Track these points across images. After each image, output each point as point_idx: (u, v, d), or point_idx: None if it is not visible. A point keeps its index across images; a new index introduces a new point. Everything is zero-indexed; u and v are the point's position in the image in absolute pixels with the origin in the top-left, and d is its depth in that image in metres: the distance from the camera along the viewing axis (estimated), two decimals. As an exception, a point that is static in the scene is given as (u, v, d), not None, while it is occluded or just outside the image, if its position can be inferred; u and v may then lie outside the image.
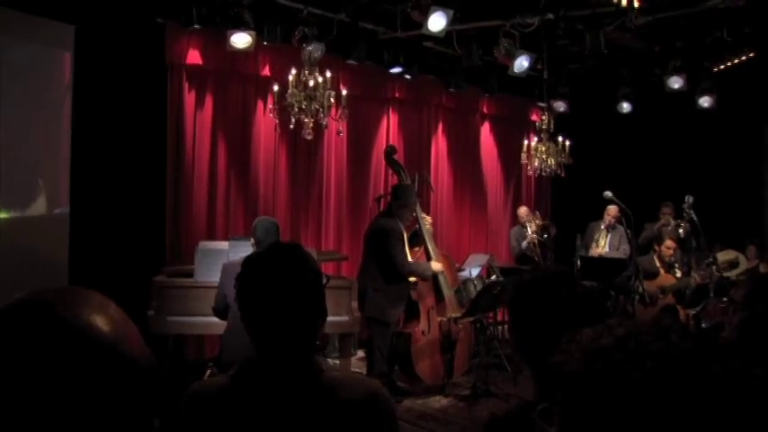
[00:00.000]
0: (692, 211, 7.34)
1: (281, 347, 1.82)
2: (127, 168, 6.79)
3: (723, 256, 8.09)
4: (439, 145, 10.13)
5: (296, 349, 1.83)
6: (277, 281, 1.84)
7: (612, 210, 8.77)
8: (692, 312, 6.99)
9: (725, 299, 6.48)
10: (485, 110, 10.71)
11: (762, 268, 8.95)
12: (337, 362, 6.84)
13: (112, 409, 0.82)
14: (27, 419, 0.77)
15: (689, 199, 7.41)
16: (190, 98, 7.50)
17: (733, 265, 7.91)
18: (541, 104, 9.94)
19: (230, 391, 1.81)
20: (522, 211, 9.59)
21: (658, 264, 7.64)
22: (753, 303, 2.14)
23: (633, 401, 0.76)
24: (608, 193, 7.53)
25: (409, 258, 6.60)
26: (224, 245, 6.08)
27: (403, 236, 6.52)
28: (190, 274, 6.11)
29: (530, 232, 9.05)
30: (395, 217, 6.56)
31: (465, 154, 10.54)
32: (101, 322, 0.88)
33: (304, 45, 6.78)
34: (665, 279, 7.55)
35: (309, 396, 1.78)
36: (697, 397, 0.75)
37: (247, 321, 1.86)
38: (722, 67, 9.28)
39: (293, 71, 6.55)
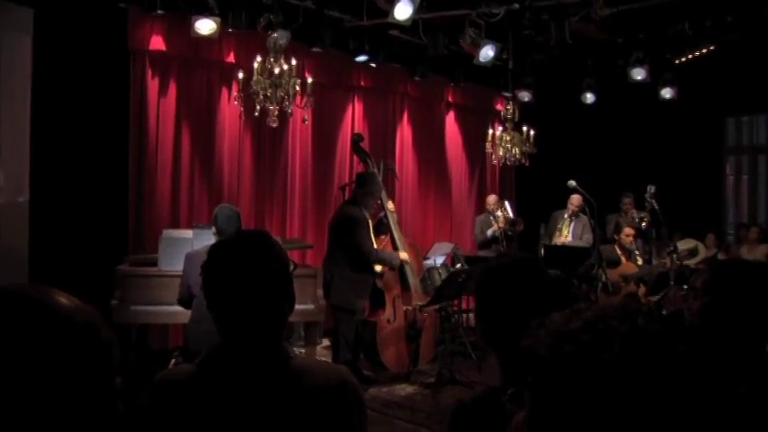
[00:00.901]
0: (653, 201, 7.45)
1: (249, 335, 1.81)
2: (89, 156, 6.69)
3: (683, 244, 8.22)
4: (404, 133, 10.14)
5: (264, 337, 1.82)
6: (244, 268, 1.84)
7: (576, 199, 8.86)
8: (653, 300, 7.11)
9: (685, 286, 6.61)
10: (450, 99, 10.74)
11: (720, 256, 9.13)
12: (303, 350, 6.82)
13: (73, 377, 0.89)
14: None
15: (651, 188, 7.52)
16: (153, 85, 7.41)
17: (692, 253, 8.05)
18: (506, 94, 9.99)
19: (197, 378, 1.80)
20: (491, 199, 9.62)
21: (619, 252, 7.76)
22: (713, 290, 2.18)
23: (602, 382, 0.77)
24: (572, 183, 7.61)
25: (375, 246, 6.60)
26: (188, 233, 6.02)
27: (368, 224, 6.52)
28: (154, 263, 6.05)
29: (496, 222, 9.09)
30: (360, 205, 6.55)
31: (430, 142, 10.56)
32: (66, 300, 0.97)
33: (269, 32, 6.72)
34: (626, 267, 7.67)
35: (277, 383, 1.78)
36: (663, 376, 0.77)
37: (214, 310, 1.85)
38: (684, 59, 9.42)
39: (258, 58, 6.50)
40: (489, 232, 9.13)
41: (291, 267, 1.95)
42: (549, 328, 0.85)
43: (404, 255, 6.78)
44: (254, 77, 6.42)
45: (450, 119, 10.96)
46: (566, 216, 9.22)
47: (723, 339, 2.18)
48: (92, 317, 0.97)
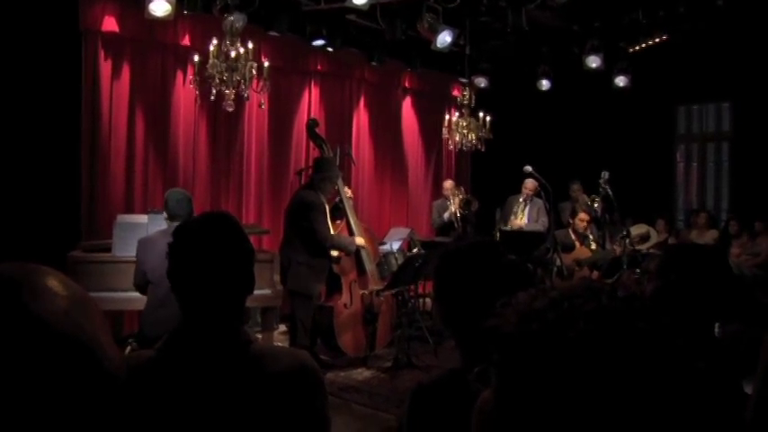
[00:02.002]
0: (607, 187, 7.57)
1: (212, 318, 1.80)
2: (39, 140, 6.55)
3: (635, 230, 8.38)
4: (360, 119, 10.13)
5: (225, 320, 1.82)
6: (211, 249, 1.83)
7: (530, 183, 8.94)
8: (607, 283, 7.23)
9: (638, 270, 6.76)
10: (407, 84, 10.74)
11: (671, 241, 9.33)
12: (260, 336, 6.80)
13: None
14: None
15: (604, 174, 7.63)
16: (106, 67, 7.28)
17: (644, 238, 8.21)
18: (463, 80, 10.03)
19: (158, 363, 1.79)
20: (448, 184, 9.67)
21: (573, 237, 7.88)
22: (667, 273, 2.24)
23: (567, 359, 0.79)
24: (528, 168, 7.69)
25: (332, 232, 6.60)
26: (143, 218, 5.95)
27: (325, 209, 6.50)
28: (107, 249, 5.96)
29: (453, 206, 9.15)
30: (317, 190, 6.53)
31: (386, 128, 10.57)
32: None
33: (225, 15, 6.65)
34: (580, 252, 7.79)
35: (238, 367, 1.77)
36: (627, 352, 0.79)
37: (179, 292, 1.83)
38: (637, 48, 9.57)
39: (214, 41, 6.43)
40: (446, 215, 9.18)
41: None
42: (515, 308, 0.86)
43: (360, 240, 6.79)
44: (210, 61, 6.35)
45: (407, 104, 10.98)
46: (521, 200, 9.30)
47: (675, 321, 2.23)
48: (84, 332, 0.86)
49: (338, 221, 6.93)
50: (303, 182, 7.56)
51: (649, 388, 0.78)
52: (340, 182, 6.95)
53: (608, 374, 0.77)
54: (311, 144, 8.25)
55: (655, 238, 8.74)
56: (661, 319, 0.83)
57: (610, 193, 7.50)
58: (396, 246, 8.01)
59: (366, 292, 6.90)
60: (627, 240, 7.13)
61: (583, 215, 7.95)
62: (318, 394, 1.89)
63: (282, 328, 7.89)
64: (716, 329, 5.86)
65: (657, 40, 9.23)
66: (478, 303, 1.51)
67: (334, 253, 6.60)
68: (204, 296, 1.81)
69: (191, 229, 1.91)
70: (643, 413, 0.77)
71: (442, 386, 1.74)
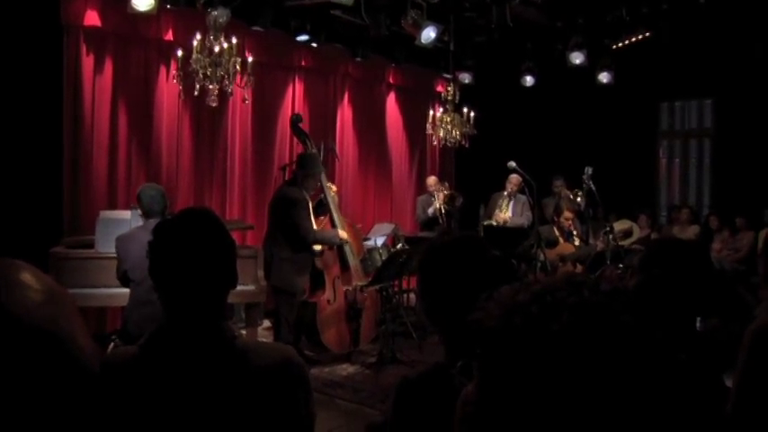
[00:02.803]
0: (590, 182, 7.60)
1: (195, 314, 1.80)
2: (20, 135, 6.49)
3: (619, 225, 8.44)
4: (344, 114, 10.11)
5: (209, 316, 1.82)
6: (191, 246, 1.82)
7: (514, 178, 8.97)
8: (590, 277, 7.27)
9: (620, 266, 6.80)
10: (391, 80, 10.73)
11: (653, 237, 9.39)
12: (244, 332, 6.79)
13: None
14: None
15: (588, 170, 7.66)
16: (88, 62, 7.22)
17: (627, 234, 8.27)
18: (447, 76, 10.05)
19: (141, 360, 1.78)
20: (431, 180, 9.69)
21: (557, 233, 7.91)
22: (649, 267, 2.26)
23: (551, 352, 0.79)
24: (512, 164, 7.70)
25: (315, 227, 6.58)
26: (126, 214, 5.91)
27: (308, 205, 6.49)
28: (90, 245, 5.93)
29: (437, 201, 9.16)
30: (300, 186, 6.51)
31: (370, 123, 10.56)
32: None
33: (209, 10, 6.62)
34: (564, 248, 7.82)
35: (222, 362, 1.77)
36: (610, 345, 0.80)
37: (161, 289, 1.83)
38: (620, 44, 9.62)
39: (198, 36, 6.40)
40: (430, 210, 9.19)
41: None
42: (499, 301, 0.87)
43: (343, 233, 6.77)
44: (194, 56, 6.33)
45: (391, 100, 10.97)
46: (504, 195, 9.32)
47: (657, 314, 2.25)
48: (57, 326, 0.86)
49: (322, 218, 6.92)
50: (287, 177, 7.55)
51: (632, 380, 0.78)
52: (323, 178, 6.94)
53: (591, 367, 0.78)
54: (295, 139, 8.22)
55: (637, 234, 8.80)
56: (643, 312, 0.84)
57: (593, 188, 7.53)
58: (380, 241, 8.01)
59: (349, 287, 6.89)
60: (610, 236, 7.16)
61: (567, 213, 7.99)
62: (303, 389, 1.89)
63: (267, 323, 7.88)
64: (697, 324, 5.91)
65: (640, 36, 9.28)
66: (462, 298, 1.52)
67: (317, 247, 6.59)
68: (187, 292, 1.80)
69: (171, 225, 1.91)
70: (625, 405, 0.78)
71: (427, 380, 1.75)
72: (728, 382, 2.39)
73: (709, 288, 2.31)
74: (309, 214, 6.50)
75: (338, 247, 6.83)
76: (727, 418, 2.40)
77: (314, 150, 7.04)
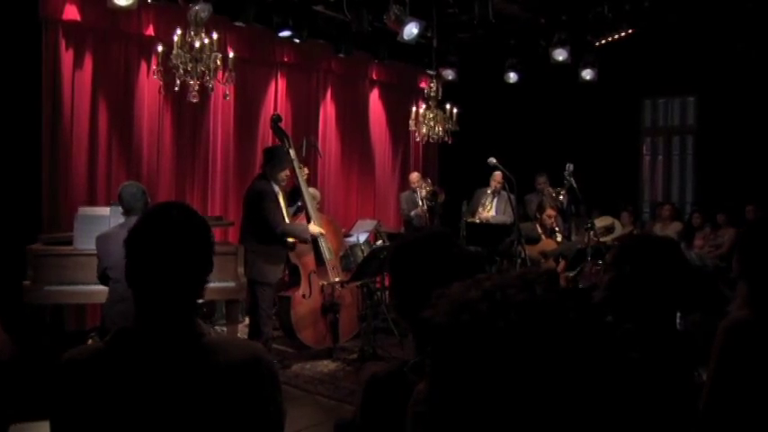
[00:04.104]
0: (572, 179, 7.60)
1: (166, 309, 1.79)
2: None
3: (600, 222, 8.45)
4: (327, 110, 10.08)
5: (179, 311, 1.80)
6: (168, 238, 1.81)
7: (498, 175, 8.97)
8: (570, 275, 7.30)
9: (600, 262, 6.82)
10: (374, 76, 10.70)
11: (636, 233, 9.41)
12: (224, 329, 6.76)
13: None
14: None
15: (569, 166, 7.66)
16: (67, 57, 7.16)
17: (609, 230, 8.28)
18: (430, 72, 10.03)
19: (106, 356, 1.76)
20: (414, 176, 9.69)
21: (540, 230, 7.93)
22: (621, 264, 2.25)
23: (498, 350, 0.78)
24: (492, 160, 7.70)
25: (287, 220, 6.58)
26: (105, 210, 5.87)
27: (277, 197, 6.49)
28: (69, 242, 5.87)
29: (420, 198, 9.15)
30: (268, 179, 6.53)
31: (353, 120, 10.53)
32: None
33: (190, 5, 6.57)
34: (546, 244, 7.84)
35: (188, 358, 1.75)
36: (556, 342, 0.78)
37: (134, 283, 1.81)
38: (604, 41, 9.64)
39: (178, 31, 6.35)
40: (413, 213, 9.20)
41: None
42: (449, 298, 0.86)
43: (314, 227, 6.76)
44: (174, 51, 6.27)
45: (374, 96, 10.94)
46: (488, 192, 9.33)
47: (631, 310, 2.25)
48: None
49: (299, 214, 6.92)
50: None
51: (578, 378, 0.77)
52: (295, 162, 6.90)
53: (539, 365, 0.76)
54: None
55: (619, 230, 8.82)
56: (594, 309, 0.82)
57: (574, 185, 7.54)
58: (362, 237, 7.99)
59: (325, 282, 6.88)
60: (591, 232, 7.18)
61: (550, 211, 8.01)
62: (272, 385, 1.88)
63: (248, 321, 7.84)
64: (678, 320, 5.93)
65: (623, 33, 9.30)
66: (429, 293, 1.50)
67: (290, 240, 6.59)
68: (160, 287, 1.79)
69: (146, 220, 1.89)
70: (572, 402, 0.77)
71: (392, 378, 1.74)
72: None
73: (683, 284, 2.30)
74: (278, 207, 6.50)
75: (313, 242, 6.83)
76: (700, 414, 2.40)
77: (289, 148, 7.02)
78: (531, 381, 0.76)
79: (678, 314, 6.01)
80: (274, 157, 6.61)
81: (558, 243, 7.93)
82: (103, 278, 4.70)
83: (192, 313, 1.85)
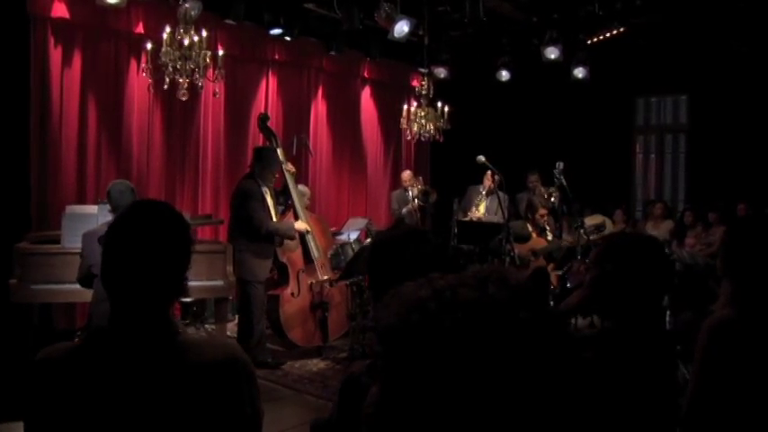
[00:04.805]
0: (561, 177, 7.58)
1: (140, 308, 1.76)
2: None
3: (590, 220, 8.43)
4: (319, 109, 10.04)
5: (154, 310, 1.78)
6: (141, 237, 1.78)
7: (491, 175, 8.94)
8: (559, 273, 7.30)
9: (587, 260, 6.80)
10: (366, 74, 10.67)
11: (628, 231, 9.40)
12: (212, 327, 6.75)
13: None
14: None
15: (559, 165, 7.63)
16: (56, 54, 7.12)
17: (599, 228, 8.25)
18: (422, 70, 10.00)
19: (79, 355, 1.74)
20: (406, 175, 9.65)
21: (531, 228, 7.91)
22: (603, 262, 2.24)
23: (445, 350, 0.76)
24: (480, 158, 7.67)
25: (274, 219, 6.56)
26: (93, 209, 5.85)
27: (263, 197, 6.49)
28: (57, 241, 5.85)
29: (411, 196, 9.12)
30: (256, 179, 6.52)
31: (345, 118, 10.50)
32: None
33: (180, 2, 6.54)
34: (536, 242, 7.83)
35: (162, 358, 1.73)
36: (504, 342, 0.76)
37: (107, 281, 1.79)
38: (595, 39, 9.62)
39: (167, 29, 6.31)
40: (404, 210, 9.17)
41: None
42: (401, 297, 0.83)
43: (300, 225, 6.74)
44: (163, 49, 6.24)
45: (366, 94, 10.90)
46: (482, 192, 9.29)
47: (613, 309, 2.25)
48: None
49: (286, 212, 6.91)
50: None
51: (526, 379, 0.75)
52: (282, 159, 6.88)
53: (485, 365, 0.74)
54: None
55: (610, 229, 8.80)
56: (553, 308, 0.80)
57: (564, 183, 7.52)
58: (353, 236, 7.96)
59: (314, 281, 6.87)
60: (581, 230, 7.17)
61: (543, 211, 8.00)
62: (248, 385, 1.86)
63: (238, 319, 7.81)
64: (667, 318, 5.91)
65: (615, 32, 9.29)
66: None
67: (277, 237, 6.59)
68: (133, 286, 1.76)
69: (121, 218, 1.87)
70: (520, 403, 0.75)
71: (364, 376, 1.72)
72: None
73: (665, 282, 2.30)
74: (264, 206, 6.48)
75: (301, 240, 6.81)
76: (684, 412, 2.39)
77: (277, 147, 7.00)
78: (478, 382, 0.74)
79: (668, 313, 6.01)
80: (263, 158, 6.61)
81: (548, 241, 7.92)
82: (85, 278, 4.68)
83: (167, 312, 1.82)
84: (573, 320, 6.13)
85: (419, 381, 0.76)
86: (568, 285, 6.71)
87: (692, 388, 2.43)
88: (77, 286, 5.26)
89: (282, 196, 7.06)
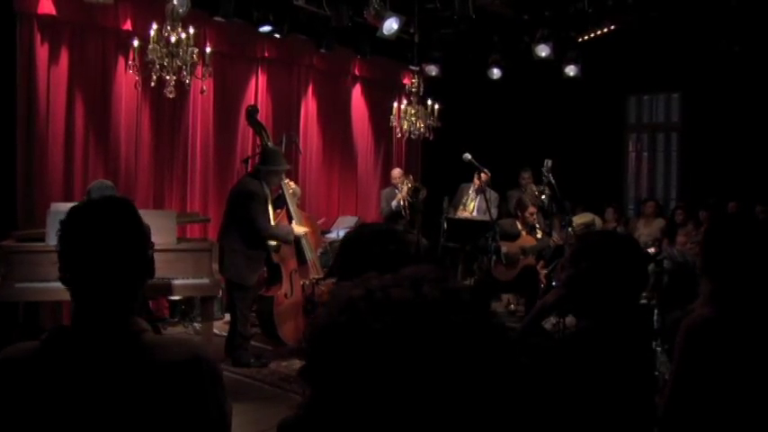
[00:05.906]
0: (550, 175, 7.56)
1: (100, 306, 1.74)
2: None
3: (579, 218, 8.43)
4: (309, 106, 10.00)
5: (115, 309, 1.75)
6: (95, 234, 1.76)
7: (483, 175, 8.93)
8: (546, 271, 7.29)
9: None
10: (356, 72, 10.63)
11: (620, 230, 9.39)
12: (199, 325, 6.72)
13: None
14: None
15: (548, 163, 7.61)
16: (43, 51, 7.07)
17: (588, 227, 8.26)
18: (413, 68, 9.98)
19: (40, 355, 1.72)
20: (396, 172, 9.63)
21: (520, 226, 7.90)
22: (578, 261, 2.23)
23: (372, 352, 0.73)
24: (467, 156, 7.66)
25: (272, 222, 6.50)
26: (78, 207, 5.78)
27: (266, 200, 6.39)
28: (42, 239, 5.79)
29: (400, 194, 9.10)
30: (261, 180, 6.42)
31: (335, 116, 10.45)
32: None
33: (168, -1, 6.49)
34: (525, 240, 7.81)
35: (124, 357, 1.71)
36: (432, 345, 0.73)
37: (66, 280, 1.77)
38: (586, 37, 9.61)
39: (155, 26, 6.27)
40: (393, 203, 9.13)
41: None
42: (335, 297, 0.81)
43: (299, 228, 6.70)
44: (150, 46, 6.20)
45: (357, 92, 10.86)
46: (471, 191, 9.28)
47: (588, 307, 2.23)
48: None
49: (279, 210, 6.85)
50: (249, 170, 7.43)
51: (456, 383, 0.72)
52: (283, 180, 6.85)
53: (414, 369, 0.71)
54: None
55: (600, 227, 8.79)
56: (483, 309, 0.77)
57: (552, 181, 7.51)
58: (342, 234, 7.94)
59: (306, 281, 6.84)
60: (569, 229, 7.15)
61: (532, 209, 7.99)
62: (212, 385, 1.83)
63: (228, 317, 7.78)
64: (655, 317, 5.88)
65: (606, 29, 9.27)
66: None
67: (273, 242, 6.52)
68: (92, 283, 1.75)
69: (76, 213, 1.84)
70: (451, 407, 0.72)
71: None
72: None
73: (640, 281, 2.28)
74: (266, 209, 6.41)
75: (295, 241, 6.76)
76: (661, 410, 2.38)
77: (270, 142, 6.92)
78: (405, 385, 0.71)
79: (656, 311, 5.99)
80: (272, 161, 6.48)
81: (537, 240, 7.90)
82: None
83: (130, 311, 1.80)
84: (561, 320, 6.10)
85: (345, 382, 0.74)
86: (554, 284, 6.70)
87: (671, 387, 2.42)
88: (62, 285, 5.23)
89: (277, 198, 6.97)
